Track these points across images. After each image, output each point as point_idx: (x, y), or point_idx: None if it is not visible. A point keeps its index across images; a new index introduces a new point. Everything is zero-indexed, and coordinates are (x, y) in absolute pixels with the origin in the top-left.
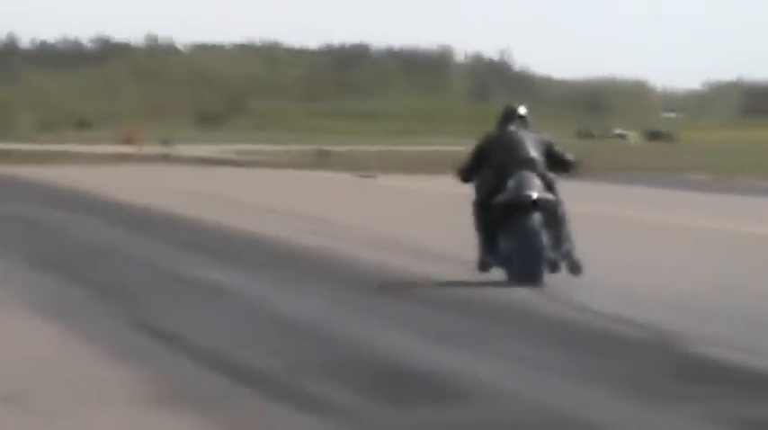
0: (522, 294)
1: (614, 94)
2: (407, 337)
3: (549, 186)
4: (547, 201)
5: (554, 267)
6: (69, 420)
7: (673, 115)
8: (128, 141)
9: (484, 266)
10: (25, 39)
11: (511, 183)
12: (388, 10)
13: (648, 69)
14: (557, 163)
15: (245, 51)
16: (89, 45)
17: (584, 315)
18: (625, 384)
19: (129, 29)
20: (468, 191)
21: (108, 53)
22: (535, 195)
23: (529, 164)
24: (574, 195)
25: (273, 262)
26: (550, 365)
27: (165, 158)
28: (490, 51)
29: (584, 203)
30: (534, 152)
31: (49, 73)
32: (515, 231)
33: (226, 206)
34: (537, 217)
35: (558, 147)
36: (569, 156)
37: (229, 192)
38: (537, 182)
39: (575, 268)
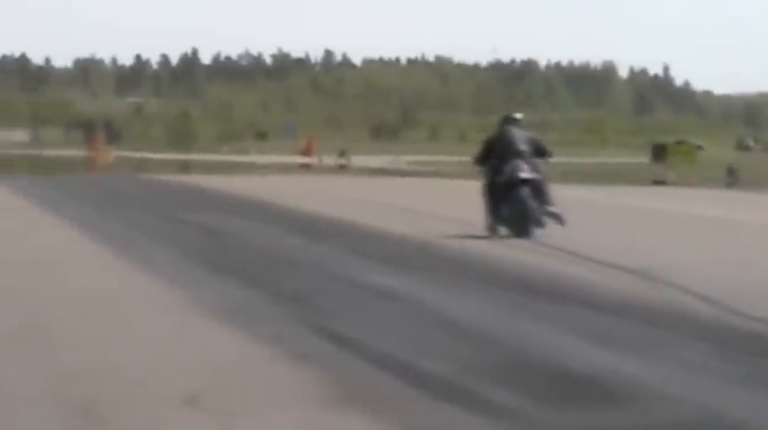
0: (682, 300)
1: None
2: (572, 340)
3: (535, 169)
4: (533, 180)
5: (539, 224)
6: (249, 420)
7: None
8: (306, 152)
9: (491, 228)
10: (207, 54)
11: (507, 168)
12: (554, 27)
13: None
14: (539, 152)
15: (418, 66)
16: (269, 60)
17: (741, 319)
18: None
19: (308, 44)
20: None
21: (287, 68)
22: (524, 176)
23: (520, 154)
24: (729, 203)
25: (442, 267)
26: (711, 368)
27: (341, 169)
28: (653, 67)
29: (739, 211)
30: (524, 146)
31: (229, 86)
32: (511, 201)
33: (397, 214)
34: (526, 190)
35: (540, 142)
36: (548, 148)
37: (400, 200)
38: (526, 166)
39: (558, 220)
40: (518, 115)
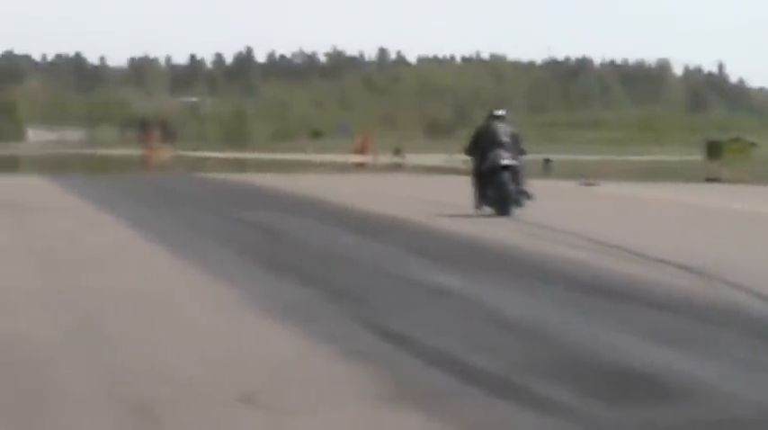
0: (735, 297)
1: None
2: (628, 337)
3: (514, 158)
4: (512, 166)
5: (518, 204)
6: (304, 418)
7: None
8: (361, 151)
9: (478, 207)
10: (262, 52)
11: (491, 156)
12: (609, 25)
13: None
14: (517, 146)
15: (473, 64)
16: (323, 58)
17: None
18: None
19: (362, 42)
20: None
21: (341, 66)
22: (505, 163)
23: (502, 144)
24: None
25: (495, 265)
26: (765, 365)
27: (396, 167)
28: (707, 64)
29: None
30: (505, 138)
31: (284, 85)
32: (494, 185)
33: (449, 212)
34: (507, 175)
35: (520, 137)
36: (524, 147)
37: (453, 199)
38: (507, 154)
39: (529, 197)
40: (499, 112)
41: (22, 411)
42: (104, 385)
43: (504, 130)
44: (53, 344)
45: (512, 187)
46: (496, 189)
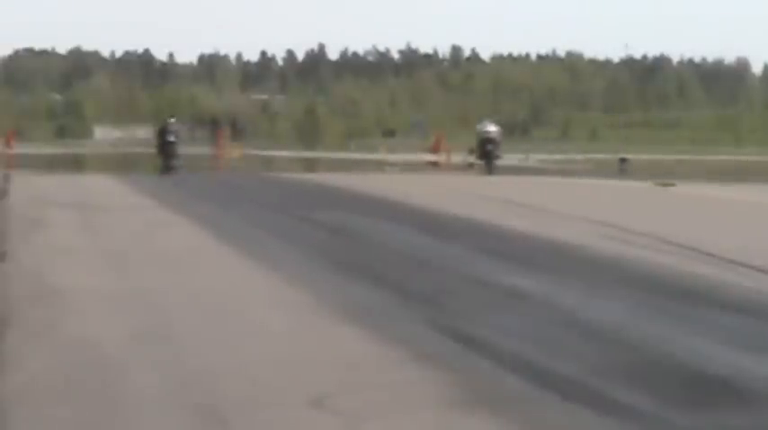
0: None
1: None
2: (708, 342)
3: (176, 140)
4: (174, 142)
5: (180, 169)
6: (377, 423)
7: None
8: (435, 150)
9: (163, 172)
10: (333, 49)
11: (166, 138)
12: (687, 22)
13: None
14: (180, 135)
15: (548, 62)
16: (396, 56)
17: None
18: None
19: (436, 40)
20: None
21: (415, 64)
22: (172, 139)
23: (173, 132)
24: None
25: (573, 267)
26: None
27: (471, 167)
28: None
29: None
30: (172, 129)
31: (356, 83)
32: (169, 160)
33: (525, 213)
34: (173, 149)
35: (180, 131)
36: (180, 136)
37: (529, 199)
38: (173, 138)
39: (181, 168)
40: (171, 120)
41: (93, 412)
42: (173, 387)
43: (172, 128)
44: (124, 345)
45: (175, 162)
46: (169, 161)
